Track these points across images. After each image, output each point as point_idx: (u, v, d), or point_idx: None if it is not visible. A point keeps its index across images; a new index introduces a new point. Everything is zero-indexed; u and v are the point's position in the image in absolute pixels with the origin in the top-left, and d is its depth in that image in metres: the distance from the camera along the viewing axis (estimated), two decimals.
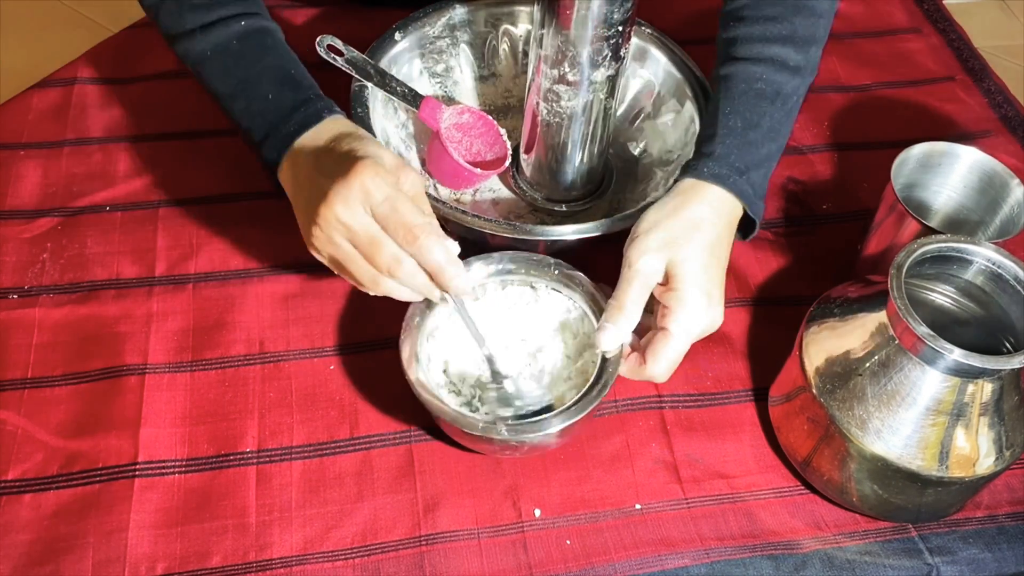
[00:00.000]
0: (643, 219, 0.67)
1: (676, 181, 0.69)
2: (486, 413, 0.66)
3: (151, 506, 0.66)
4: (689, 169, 0.69)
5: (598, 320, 0.66)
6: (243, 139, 0.70)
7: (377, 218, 0.58)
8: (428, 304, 0.67)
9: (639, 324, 0.65)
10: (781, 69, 0.71)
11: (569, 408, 0.63)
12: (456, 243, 0.60)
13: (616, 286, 0.65)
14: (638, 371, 0.65)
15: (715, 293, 0.65)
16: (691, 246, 0.64)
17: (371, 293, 0.61)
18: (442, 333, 0.69)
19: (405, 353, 0.65)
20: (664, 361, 0.63)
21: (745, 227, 0.70)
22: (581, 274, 0.69)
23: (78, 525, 0.65)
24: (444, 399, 0.64)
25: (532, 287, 0.71)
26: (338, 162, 0.60)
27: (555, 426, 0.62)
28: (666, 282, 0.64)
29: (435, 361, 0.68)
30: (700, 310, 0.64)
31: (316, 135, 0.65)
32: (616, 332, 0.64)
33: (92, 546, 0.64)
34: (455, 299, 0.62)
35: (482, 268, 0.70)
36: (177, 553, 0.64)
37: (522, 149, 0.82)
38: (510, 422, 0.62)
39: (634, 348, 0.66)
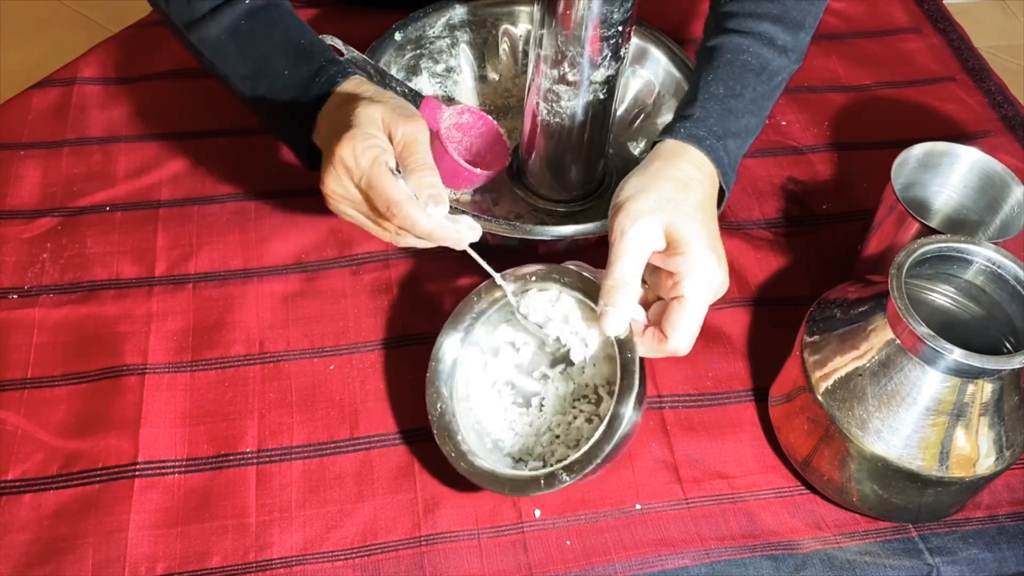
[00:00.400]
0: (624, 186, 0.62)
1: (654, 144, 0.67)
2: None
3: (151, 506, 0.66)
4: (666, 131, 0.67)
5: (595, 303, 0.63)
6: (269, 123, 0.71)
7: (361, 193, 0.60)
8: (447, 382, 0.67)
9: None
10: (769, 46, 0.71)
11: (611, 418, 0.60)
12: (444, 196, 0.60)
13: (608, 263, 0.60)
14: (659, 348, 0.60)
15: (721, 252, 0.61)
16: (687, 205, 0.60)
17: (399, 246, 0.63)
18: (475, 397, 0.68)
19: (438, 428, 0.64)
20: (685, 331, 0.59)
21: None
22: (561, 266, 0.66)
23: (78, 525, 0.64)
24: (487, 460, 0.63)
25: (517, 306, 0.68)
26: (333, 135, 0.61)
27: (606, 447, 0.59)
28: (669, 247, 0.60)
29: (470, 426, 0.67)
30: (712, 270, 0.60)
31: (331, 104, 0.66)
32: (619, 313, 0.60)
33: (92, 546, 0.64)
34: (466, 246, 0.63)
35: (455, 343, 0.68)
36: (177, 553, 0.64)
37: (522, 149, 0.82)
38: (565, 464, 0.60)
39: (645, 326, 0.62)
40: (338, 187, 0.61)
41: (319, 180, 0.62)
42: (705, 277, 0.59)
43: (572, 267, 0.65)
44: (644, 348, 0.61)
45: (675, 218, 0.60)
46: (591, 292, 0.63)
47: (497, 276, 0.65)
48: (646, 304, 0.63)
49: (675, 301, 0.60)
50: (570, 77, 0.71)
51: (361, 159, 0.59)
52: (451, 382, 0.67)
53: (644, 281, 0.62)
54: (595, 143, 0.78)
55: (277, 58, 0.69)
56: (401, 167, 0.61)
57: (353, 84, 0.67)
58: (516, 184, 0.84)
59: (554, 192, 0.82)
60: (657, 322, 0.61)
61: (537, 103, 0.75)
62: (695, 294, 0.59)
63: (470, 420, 0.67)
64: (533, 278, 0.66)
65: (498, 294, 0.67)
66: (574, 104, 0.73)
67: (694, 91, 0.70)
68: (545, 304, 0.68)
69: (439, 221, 0.60)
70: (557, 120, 0.75)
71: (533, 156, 0.80)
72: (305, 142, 0.68)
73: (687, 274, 0.59)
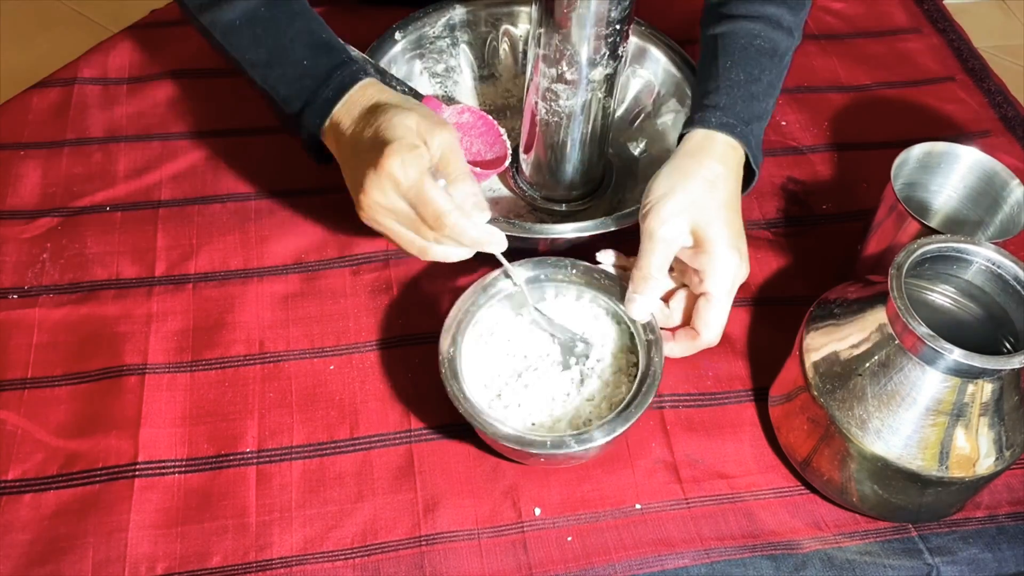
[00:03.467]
0: (654, 186, 0.67)
1: (681, 137, 0.70)
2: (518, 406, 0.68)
3: (151, 506, 0.66)
4: (696, 122, 0.69)
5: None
6: (277, 111, 0.70)
7: (408, 204, 0.61)
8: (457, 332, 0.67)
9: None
10: (777, 27, 0.73)
11: (626, 407, 0.64)
12: (485, 206, 0.62)
13: (639, 256, 0.66)
14: (693, 345, 0.67)
15: (742, 248, 0.67)
16: (713, 205, 0.65)
17: (424, 260, 0.64)
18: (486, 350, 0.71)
19: (450, 382, 0.65)
20: (716, 325, 0.67)
21: (745, 181, 0.72)
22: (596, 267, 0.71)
23: (78, 525, 0.65)
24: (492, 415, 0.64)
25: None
26: (370, 147, 0.62)
27: (618, 429, 0.62)
28: (695, 246, 0.66)
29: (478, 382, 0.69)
30: (734, 267, 0.66)
31: (352, 103, 0.66)
32: (645, 301, 0.66)
33: (92, 546, 0.64)
34: (500, 256, 0.65)
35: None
36: (177, 553, 0.64)
37: (521, 149, 0.82)
38: (572, 433, 0.63)
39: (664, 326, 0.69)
40: (383, 199, 0.61)
41: (356, 191, 0.62)
42: (728, 275, 0.66)
43: (587, 264, 0.71)
44: (680, 348, 0.69)
45: (701, 218, 0.65)
46: (605, 289, 0.70)
47: (524, 288, 0.69)
48: (667, 297, 0.70)
49: (702, 299, 0.67)
50: (568, 76, 0.71)
51: (409, 170, 0.59)
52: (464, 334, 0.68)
53: (671, 269, 0.69)
54: (594, 142, 0.78)
55: (295, 48, 0.68)
56: (441, 176, 0.63)
57: (373, 87, 0.67)
58: (516, 184, 0.84)
59: (554, 191, 0.82)
60: (687, 321, 0.68)
61: (536, 102, 0.75)
62: (720, 290, 0.66)
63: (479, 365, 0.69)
64: (572, 270, 0.71)
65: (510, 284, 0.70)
66: (573, 103, 0.73)
67: (715, 79, 0.72)
68: (566, 306, 0.72)
69: (484, 228, 0.63)
70: (556, 119, 0.75)
71: (532, 155, 0.80)
72: (316, 134, 0.67)
73: (712, 273, 0.65)
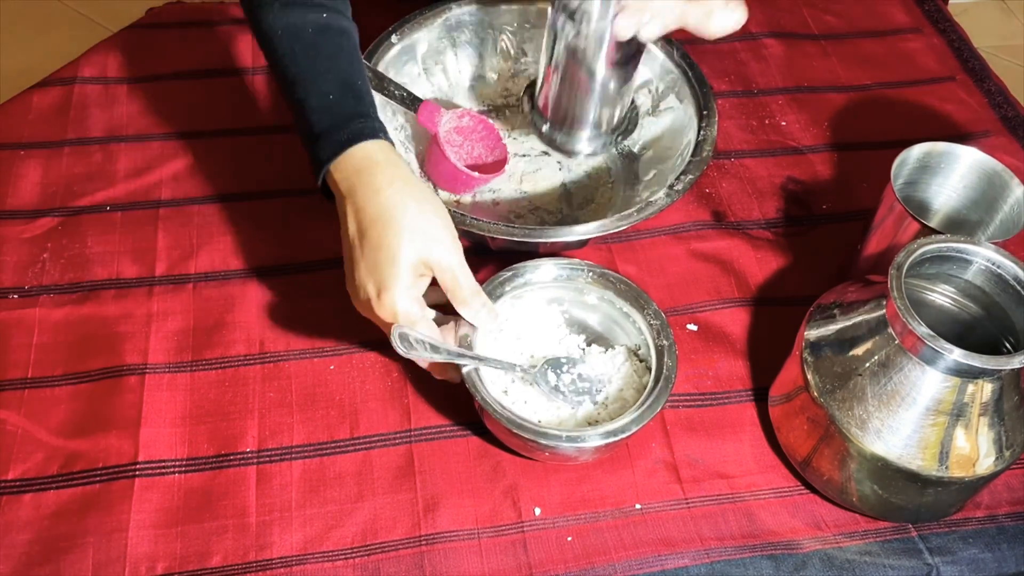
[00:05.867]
0: None
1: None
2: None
3: (151, 506, 0.66)
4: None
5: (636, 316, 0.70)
6: (297, 128, 0.70)
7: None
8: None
9: None
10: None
11: (643, 404, 0.64)
12: (494, 311, 0.67)
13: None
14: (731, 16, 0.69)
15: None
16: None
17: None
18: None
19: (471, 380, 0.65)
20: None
21: None
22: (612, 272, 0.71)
23: (78, 525, 0.65)
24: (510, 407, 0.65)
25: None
26: (372, 267, 0.63)
27: (634, 426, 0.63)
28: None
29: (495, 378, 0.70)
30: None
31: (366, 159, 0.65)
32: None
33: (92, 546, 0.64)
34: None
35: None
36: (177, 553, 0.64)
37: (540, 80, 0.78)
38: (590, 429, 0.63)
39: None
40: (380, 317, 0.64)
41: (356, 298, 0.66)
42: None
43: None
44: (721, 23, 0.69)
45: None
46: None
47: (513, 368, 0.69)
48: None
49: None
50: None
51: (409, 315, 0.64)
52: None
53: None
54: (620, 71, 0.74)
55: (327, 80, 0.68)
56: (451, 298, 0.66)
57: (390, 153, 0.67)
58: (533, 124, 0.80)
59: (574, 131, 0.78)
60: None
61: (562, 22, 0.70)
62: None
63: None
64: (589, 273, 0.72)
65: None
66: (603, 26, 0.69)
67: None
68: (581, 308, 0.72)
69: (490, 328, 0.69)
70: (583, 45, 0.71)
71: (552, 87, 0.76)
72: (320, 166, 0.66)
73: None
